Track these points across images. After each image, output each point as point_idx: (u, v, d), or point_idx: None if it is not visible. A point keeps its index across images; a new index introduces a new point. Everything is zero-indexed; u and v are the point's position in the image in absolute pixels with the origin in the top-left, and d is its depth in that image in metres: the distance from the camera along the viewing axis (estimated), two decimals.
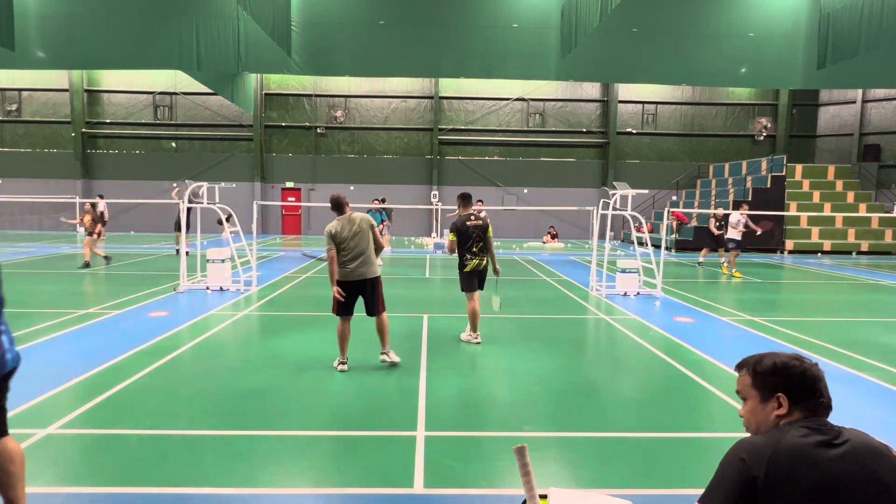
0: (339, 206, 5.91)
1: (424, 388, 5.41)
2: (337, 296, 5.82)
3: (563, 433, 4.44)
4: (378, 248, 6.00)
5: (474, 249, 7.07)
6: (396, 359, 6.09)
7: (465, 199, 7.11)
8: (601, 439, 4.36)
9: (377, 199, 16.61)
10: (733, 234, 14.54)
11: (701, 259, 16.32)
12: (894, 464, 1.55)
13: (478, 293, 7.19)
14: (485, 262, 7.12)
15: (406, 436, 4.32)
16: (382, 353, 6.10)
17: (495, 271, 7.19)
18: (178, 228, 16.56)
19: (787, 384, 1.69)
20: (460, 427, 4.54)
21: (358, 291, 5.91)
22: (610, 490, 3.50)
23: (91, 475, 3.64)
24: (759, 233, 15.50)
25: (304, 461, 3.90)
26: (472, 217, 7.15)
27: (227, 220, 15.08)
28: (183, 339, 7.09)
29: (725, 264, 14.84)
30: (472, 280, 7.12)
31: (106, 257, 14.34)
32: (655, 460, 4.03)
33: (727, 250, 14.81)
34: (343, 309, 5.89)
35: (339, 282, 5.82)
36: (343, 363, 5.92)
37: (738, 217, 14.50)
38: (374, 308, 5.98)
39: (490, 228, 7.15)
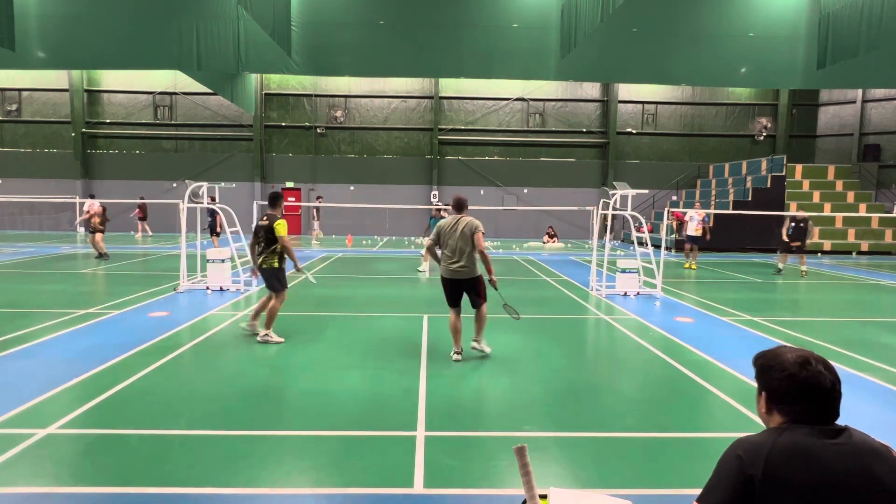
0: (458, 205, 6.45)
1: (424, 388, 5.40)
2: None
3: (563, 433, 4.44)
4: (482, 255, 6.24)
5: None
6: (487, 349, 6.50)
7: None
8: (601, 439, 4.36)
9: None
10: (690, 229, 15.95)
11: (781, 266, 15.32)
12: (894, 465, 1.54)
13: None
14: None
15: (406, 436, 4.32)
16: (473, 341, 6.50)
17: None
18: (212, 233, 16.70)
19: (766, 385, 1.71)
20: (460, 427, 4.54)
21: (458, 289, 6.37)
22: (610, 490, 3.50)
23: (91, 475, 3.64)
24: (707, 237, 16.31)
25: (304, 461, 3.90)
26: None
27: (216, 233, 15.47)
28: (183, 339, 7.09)
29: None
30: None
31: (103, 255, 15.16)
32: (655, 460, 4.03)
33: (687, 249, 16.21)
34: (450, 301, 6.45)
35: (441, 277, 6.43)
36: (458, 353, 6.33)
37: (691, 214, 15.83)
38: (474, 302, 6.41)
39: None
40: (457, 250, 6.19)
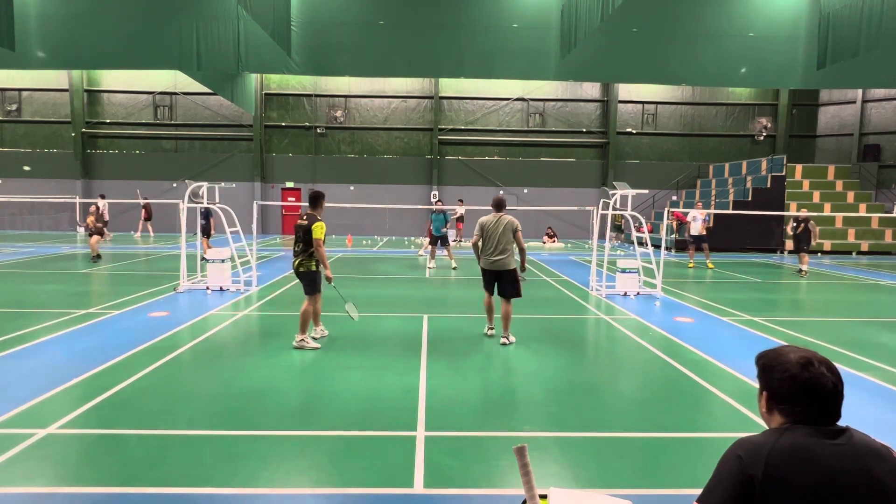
0: (498, 204, 7.27)
1: (424, 388, 5.40)
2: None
3: (563, 433, 4.44)
4: (520, 250, 7.11)
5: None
6: (513, 339, 7.15)
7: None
8: (601, 439, 4.36)
9: (439, 201, 16.23)
10: (694, 230, 16.05)
11: (804, 268, 14.80)
12: (894, 466, 1.54)
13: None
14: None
15: (406, 436, 4.33)
16: (502, 337, 7.10)
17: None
18: (205, 234, 16.50)
19: (768, 385, 1.70)
20: (460, 427, 4.54)
21: (494, 279, 7.17)
22: (610, 490, 3.50)
23: (91, 475, 3.64)
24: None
25: (304, 461, 3.90)
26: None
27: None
28: (183, 339, 7.09)
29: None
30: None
31: (97, 256, 15.13)
32: (655, 460, 4.03)
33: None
34: (487, 288, 7.36)
35: (481, 268, 7.24)
36: (491, 328, 7.43)
37: (694, 214, 16.03)
38: (505, 293, 7.12)
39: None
40: (498, 245, 7.01)
